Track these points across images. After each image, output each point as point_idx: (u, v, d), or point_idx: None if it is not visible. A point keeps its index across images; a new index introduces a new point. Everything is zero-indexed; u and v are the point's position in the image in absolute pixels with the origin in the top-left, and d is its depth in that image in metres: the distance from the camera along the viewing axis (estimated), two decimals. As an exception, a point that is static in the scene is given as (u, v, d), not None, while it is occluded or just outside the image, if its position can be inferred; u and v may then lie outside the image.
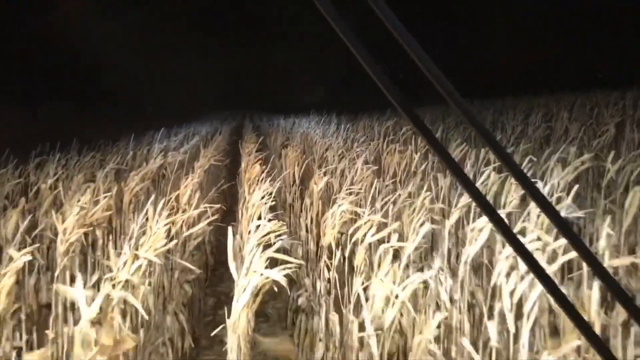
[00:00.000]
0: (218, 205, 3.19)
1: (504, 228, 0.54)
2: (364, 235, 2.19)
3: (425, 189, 3.74)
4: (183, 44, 25.96)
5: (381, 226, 2.28)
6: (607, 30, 14.65)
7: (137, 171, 3.98)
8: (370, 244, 2.22)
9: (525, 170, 3.12)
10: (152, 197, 2.92)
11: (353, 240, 2.18)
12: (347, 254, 2.20)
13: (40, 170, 5.22)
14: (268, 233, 2.14)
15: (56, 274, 2.30)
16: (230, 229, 1.96)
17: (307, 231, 3.63)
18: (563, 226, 0.55)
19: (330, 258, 2.61)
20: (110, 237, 3.30)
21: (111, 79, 18.92)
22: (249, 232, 2.22)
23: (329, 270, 2.43)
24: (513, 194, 2.48)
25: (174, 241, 2.22)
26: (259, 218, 2.56)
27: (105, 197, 2.92)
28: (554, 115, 7.17)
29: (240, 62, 27.79)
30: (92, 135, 7.62)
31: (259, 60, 27.89)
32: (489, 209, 0.54)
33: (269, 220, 2.69)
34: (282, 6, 26.45)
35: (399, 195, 3.75)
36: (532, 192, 0.54)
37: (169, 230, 2.72)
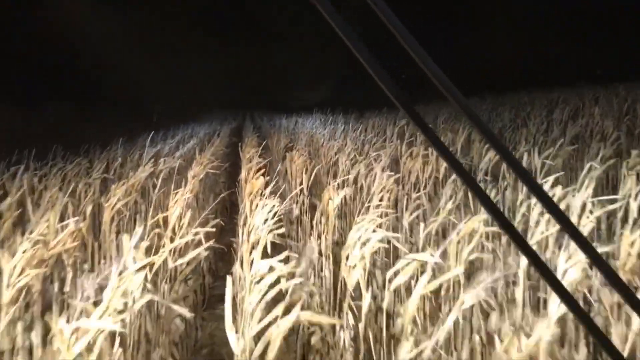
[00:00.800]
0: (214, 228, 2.63)
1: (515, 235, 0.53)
2: (403, 277, 1.63)
3: (455, 200, 3.19)
4: (183, 44, 25.47)
5: (424, 264, 1.72)
6: (632, 20, 13.99)
7: (121, 182, 3.42)
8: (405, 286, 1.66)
9: (587, 183, 2.55)
10: (124, 230, 2.38)
11: (393, 286, 1.63)
12: (384, 304, 1.65)
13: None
14: (277, 280, 1.59)
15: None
16: (228, 280, 1.41)
17: (320, 254, 3.07)
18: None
19: (355, 298, 2.05)
20: (85, 266, 2.75)
21: (107, 79, 18.40)
22: (252, 276, 1.67)
23: (355, 318, 1.87)
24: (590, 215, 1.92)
25: (149, 296, 1.66)
26: (264, 251, 2.01)
27: (76, 220, 2.36)
28: (579, 110, 6.60)
29: (240, 61, 27.33)
30: (80, 139, 7.07)
31: (259, 59, 27.41)
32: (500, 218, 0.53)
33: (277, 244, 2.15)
34: (282, 5, 25.96)
35: (425, 208, 3.20)
36: (534, 188, 0.54)
37: (152, 264, 2.17)
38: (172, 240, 2.34)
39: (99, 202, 3.91)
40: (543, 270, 0.53)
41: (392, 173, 3.28)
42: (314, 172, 3.66)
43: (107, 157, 6.13)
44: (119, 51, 20.86)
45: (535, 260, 0.52)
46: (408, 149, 4.24)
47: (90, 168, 5.34)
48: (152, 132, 5.69)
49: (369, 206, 2.75)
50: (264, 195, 3.04)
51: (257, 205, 2.75)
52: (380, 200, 3.06)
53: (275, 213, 2.30)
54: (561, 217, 0.54)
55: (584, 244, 0.53)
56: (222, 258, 5.39)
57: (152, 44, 23.70)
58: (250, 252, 2.28)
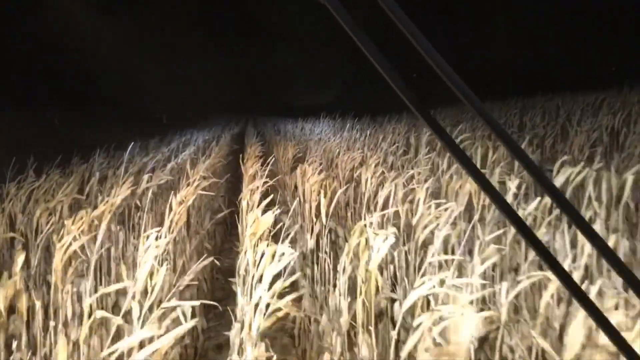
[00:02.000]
0: (199, 301, 1.81)
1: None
2: None
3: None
4: (183, 45, 24.78)
5: None
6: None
7: (83, 212, 2.59)
8: None
9: None
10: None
11: None
12: None
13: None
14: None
15: None
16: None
17: (348, 310, 2.23)
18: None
19: None
20: (23, 339, 1.92)
21: (104, 81, 17.66)
22: None
23: None
24: None
25: None
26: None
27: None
28: (630, 115, 5.75)
29: (242, 63, 26.63)
30: (62, 147, 6.25)
31: (261, 60, 26.69)
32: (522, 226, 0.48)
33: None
34: (284, 5, 25.25)
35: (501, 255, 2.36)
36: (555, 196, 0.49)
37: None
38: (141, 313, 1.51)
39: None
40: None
41: (444, 201, 2.44)
42: (337, 195, 2.82)
43: (89, 170, 5.31)
44: (117, 52, 20.18)
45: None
46: (448, 167, 3.40)
47: (65, 184, 4.50)
48: (132, 143, 4.83)
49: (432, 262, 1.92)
50: (272, 235, 2.22)
51: (262, 254, 1.93)
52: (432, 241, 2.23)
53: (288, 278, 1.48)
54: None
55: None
56: (223, 273, 4.57)
57: (151, 45, 23.03)
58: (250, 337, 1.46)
